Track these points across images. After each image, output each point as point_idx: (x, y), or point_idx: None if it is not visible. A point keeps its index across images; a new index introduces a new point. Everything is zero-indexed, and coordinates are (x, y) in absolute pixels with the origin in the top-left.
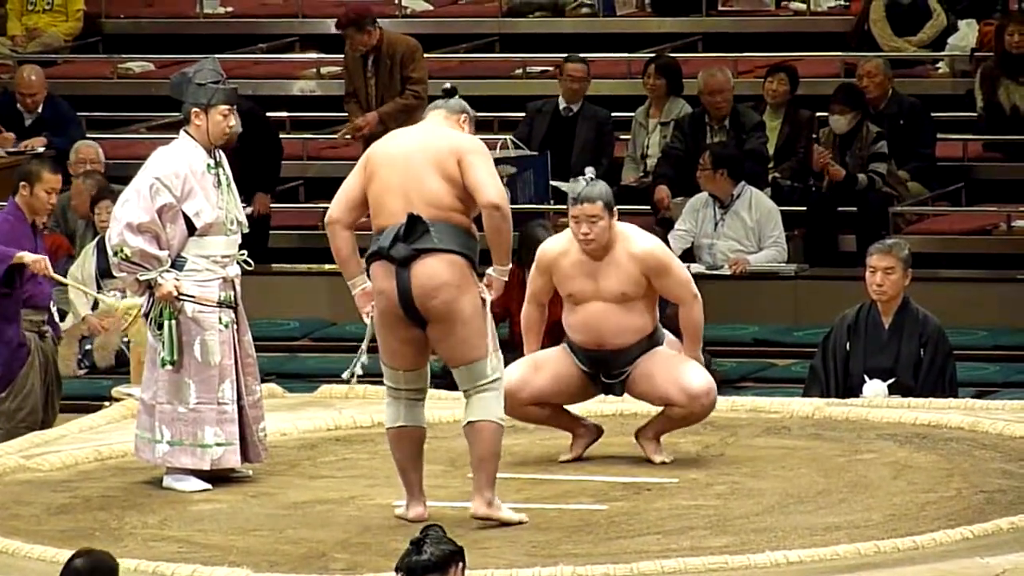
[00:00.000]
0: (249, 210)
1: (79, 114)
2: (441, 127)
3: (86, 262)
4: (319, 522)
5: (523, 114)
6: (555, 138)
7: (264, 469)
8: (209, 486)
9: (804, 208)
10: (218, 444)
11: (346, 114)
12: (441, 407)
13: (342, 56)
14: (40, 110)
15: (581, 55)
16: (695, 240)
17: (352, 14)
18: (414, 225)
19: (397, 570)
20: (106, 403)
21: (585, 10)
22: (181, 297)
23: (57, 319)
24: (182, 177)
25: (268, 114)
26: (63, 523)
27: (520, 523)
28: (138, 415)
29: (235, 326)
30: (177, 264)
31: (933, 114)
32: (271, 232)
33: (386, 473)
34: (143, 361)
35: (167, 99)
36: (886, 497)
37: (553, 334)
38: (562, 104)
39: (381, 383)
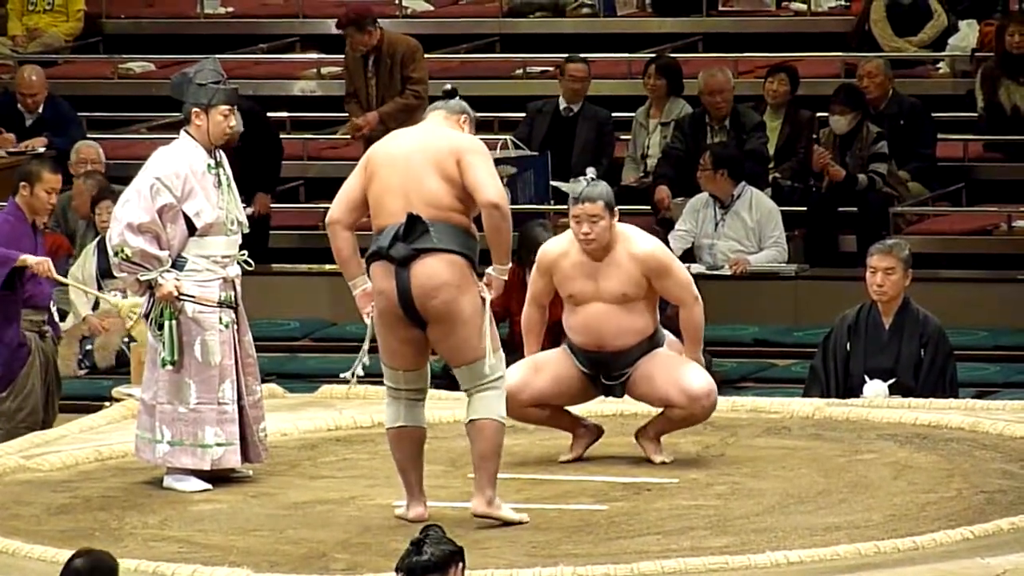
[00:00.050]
0: (250, 211)
1: (80, 114)
2: (441, 127)
3: (87, 262)
4: (319, 522)
5: (523, 114)
6: (555, 138)
7: (264, 469)
8: (209, 486)
9: (804, 208)
10: (218, 444)
11: (346, 114)
12: (441, 407)
13: (342, 56)
14: (41, 110)
15: (582, 55)
16: (695, 240)
17: (352, 14)
18: (413, 225)
19: (397, 570)
20: (106, 403)
21: (585, 10)
22: (181, 297)
23: (57, 319)
24: (182, 177)
25: (268, 114)
26: (63, 523)
27: (520, 523)
28: (138, 415)
29: (235, 326)
30: (177, 264)
31: (934, 114)
32: (271, 232)
33: (386, 473)
34: (143, 361)
35: (168, 99)
36: (886, 497)
37: (553, 334)
38: (562, 104)
39: (381, 383)
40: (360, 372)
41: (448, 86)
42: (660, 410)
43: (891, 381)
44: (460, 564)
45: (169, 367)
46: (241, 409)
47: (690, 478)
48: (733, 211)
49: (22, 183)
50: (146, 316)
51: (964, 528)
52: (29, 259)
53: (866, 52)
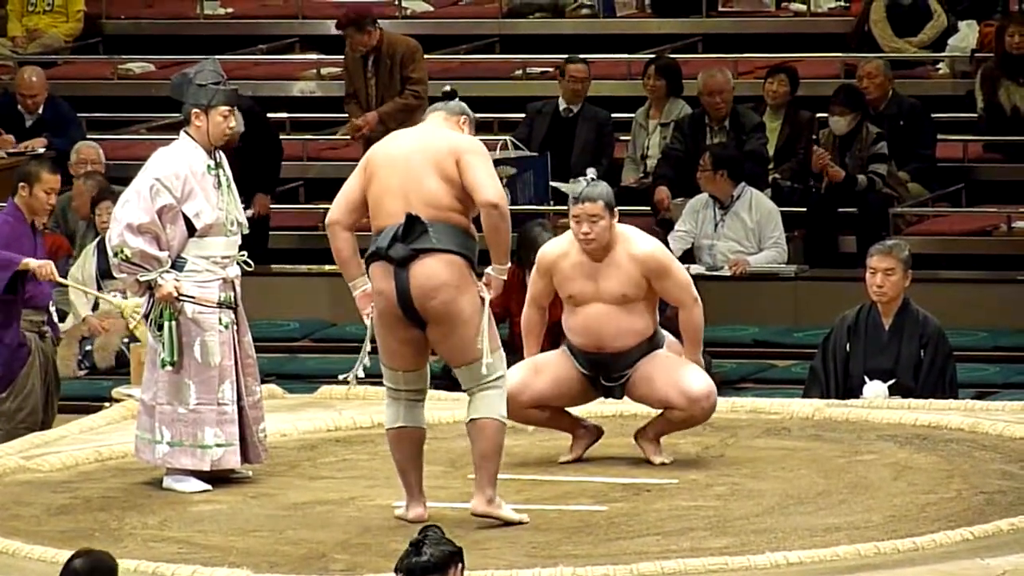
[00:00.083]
0: (250, 212)
1: (79, 115)
2: (441, 128)
3: (86, 263)
4: (319, 523)
5: (523, 115)
6: (555, 139)
7: (264, 470)
8: (209, 487)
9: (804, 209)
10: (218, 445)
11: (346, 115)
12: (441, 408)
13: (342, 57)
14: (41, 111)
15: (582, 56)
16: (695, 241)
17: (352, 15)
18: (412, 225)
19: (396, 571)
20: (106, 404)
21: (585, 11)
22: (181, 298)
23: (56, 319)
24: (182, 178)
25: (268, 115)
26: (63, 524)
27: (521, 523)
28: (138, 416)
29: (235, 327)
30: (177, 265)
31: (933, 115)
32: (271, 233)
33: (386, 474)
34: (143, 362)
35: (167, 100)
36: (886, 498)
37: (552, 335)
38: (562, 105)
39: (381, 384)
40: (361, 373)
41: (448, 87)
42: (660, 411)
43: (891, 382)
44: (459, 565)
45: (169, 368)
46: (241, 410)
47: (690, 479)
48: (733, 212)
49: (21, 184)
50: (145, 317)
51: (964, 529)
52: (32, 263)
53: (866, 53)
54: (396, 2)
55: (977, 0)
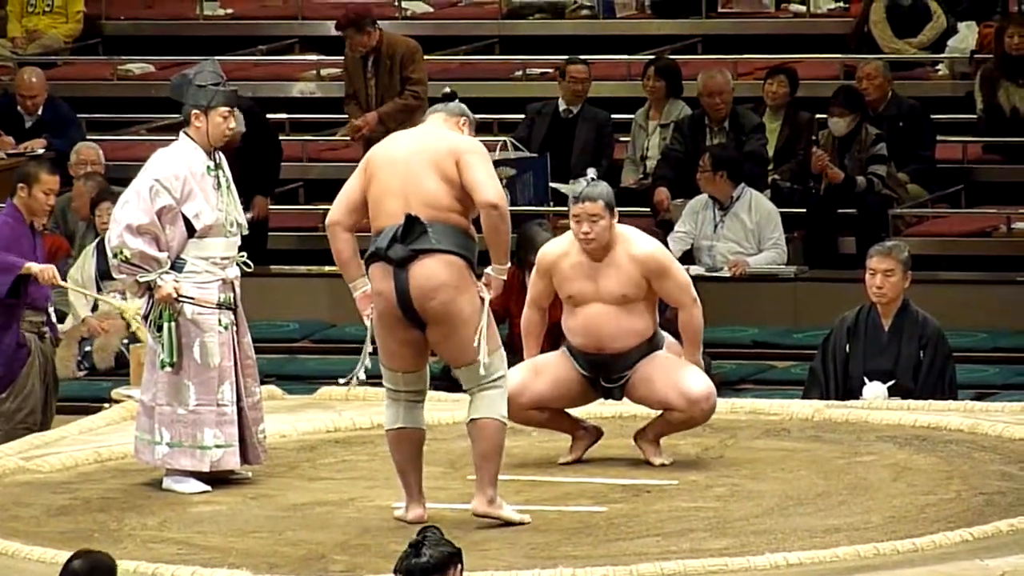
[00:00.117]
0: (250, 215)
1: (79, 116)
2: (440, 129)
3: (86, 264)
4: (318, 524)
5: (523, 116)
6: (555, 140)
7: (263, 471)
8: (208, 488)
9: (804, 210)
10: (217, 446)
11: (346, 116)
12: (440, 409)
13: (342, 58)
14: (40, 112)
15: (582, 57)
16: (695, 242)
17: (352, 15)
18: (412, 226)
19: (396, 572)
20: (106, 405)
21: (585, 12)
22: (180, 299)
23: (55, 320)
24: (182, 179)
25: (268, 116)
26: (63, 525)
27: (521, 523)
28: (137, 417)
29: (235, 328)
30: (177, 266)
31: (933, 116)
32: (270, 234)
33: (385, 475)
34: (143, 363)
35: (167, 101)
36: (885, 499)
37: (552, 336)
38: (562, 106)
39: (380, 385)
40: (362, 375)
41: (447, 89)
42: (659, 412)
43: (890, 383)
44: (459, 566)
45: (168, 369)
46: (240, 411)
47: (689, 480)
48: (732, 213)
49: (20, 184)
50: (145, 318)
51: (963, 530)
52: (34, 267)
53: (865, 54)
54: (396, 3)
55: (976, 1)
